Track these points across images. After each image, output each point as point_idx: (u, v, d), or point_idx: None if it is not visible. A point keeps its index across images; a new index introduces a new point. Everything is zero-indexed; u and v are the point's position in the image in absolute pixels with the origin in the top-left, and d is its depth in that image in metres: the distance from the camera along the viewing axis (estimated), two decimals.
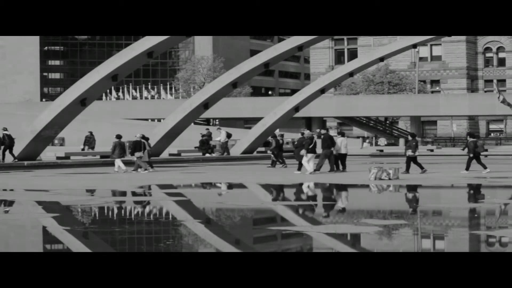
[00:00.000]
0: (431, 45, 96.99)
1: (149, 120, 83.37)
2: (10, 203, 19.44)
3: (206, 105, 42.73)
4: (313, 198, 21.36)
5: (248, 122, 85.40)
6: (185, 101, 46.98)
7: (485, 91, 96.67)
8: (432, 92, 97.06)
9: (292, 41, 41.98)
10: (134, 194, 22.04)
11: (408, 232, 13.38)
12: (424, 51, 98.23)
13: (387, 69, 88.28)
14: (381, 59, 49.48)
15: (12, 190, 23.23)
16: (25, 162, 35.62)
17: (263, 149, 47.74)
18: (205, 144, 47.15)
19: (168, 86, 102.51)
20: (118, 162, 31.29)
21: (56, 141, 58.04)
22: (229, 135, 48.52)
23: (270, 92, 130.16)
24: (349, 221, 14.84)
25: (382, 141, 72.34)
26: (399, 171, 26.66)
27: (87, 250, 11.56)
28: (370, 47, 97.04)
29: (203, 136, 47.53)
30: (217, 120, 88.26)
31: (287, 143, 49.58)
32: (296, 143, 31.25)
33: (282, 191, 23.39)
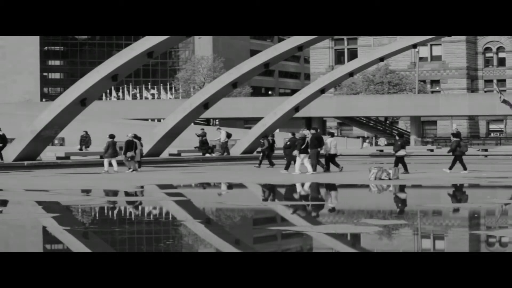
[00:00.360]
0: (431, 45, 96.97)
1: (149, 120, 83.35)
2: (6, 203, 19.43)
3: (206, 105, 42.72)
4: (312, 198, 21.35)
5: (248, 122, 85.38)
6: (185, 101, 46.98)
7: (485, 91, 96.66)
8: (432, 92, 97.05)
9: (292, 41, 41.98)
10: (134, 194, 22.03)
11: (408, 232, 13.38)
12: (424, 51, 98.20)
13: (387, 69, 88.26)
14: (381, 59, 49.48)
15: (1, 190, 23.24)
16: (25, 162, 35.62)
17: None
18: (205, 144, 47.18)
19: (168, 86, 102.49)
20: (112, 161, 31.30)
21: (56, 141, 58.04)
22: (229, 135, 48.53)
23: (270, 92, 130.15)
24: (349, 221, 14.84)
25: (382, 141, 72.37)
26: (399, 171, 26.66)
27: (87, 250, 11.56)
28: (370, 47, 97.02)
29: (198, 136, 47.60)
30: (217, 120, 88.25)
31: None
32: (288, 143, 31.26)
33: (281, 191, 23.38)
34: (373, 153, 56.50)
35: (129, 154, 31.01)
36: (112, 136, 31.93)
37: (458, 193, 22.96)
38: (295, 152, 29.11)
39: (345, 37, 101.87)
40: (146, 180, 26.84)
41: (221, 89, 42.84)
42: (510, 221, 15.69)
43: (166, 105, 78.33)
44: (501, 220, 15.46)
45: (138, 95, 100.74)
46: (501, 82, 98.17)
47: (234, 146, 49.39)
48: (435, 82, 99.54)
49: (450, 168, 28.88)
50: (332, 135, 32.10)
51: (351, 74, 50.32)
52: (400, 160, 28.35)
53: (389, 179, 25.22)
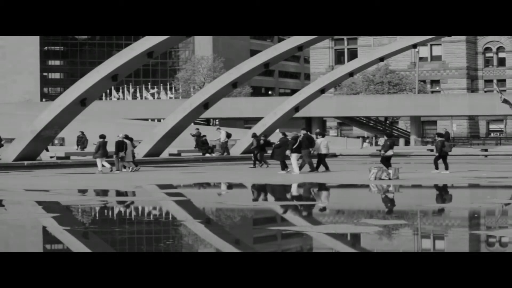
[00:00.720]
0: (431, 45, 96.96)
1: (149, 120, 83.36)
2: (6, 203, 19.43)
3: (206, 105, 42.72)
4: (312, 198, 21.35)
5: (248, 122, 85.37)
6: (185, 101, 46.98)
7: (485, 91, 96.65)
8: (432, 92, 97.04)
9: (292, 41, 41.98)
10: (133, 194, 22.03)
11: (408, 232, 13.38)
12: (424, 51, 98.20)
13: (387, 69, 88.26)
14: (381, 59, 49.47)
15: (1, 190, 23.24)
16: (25, 162, 35.62)
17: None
18: (205, 144, 47.22)
19: (168, 86, 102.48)
20: (102, 161, 31.45)
21: (56, 141, 58.05)
22: (228, 135, 48.53)
23: (270, 92, 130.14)
24: (349, 221, 14.84)
25: (382, 141, 72.26)
26: (399, 171, 26.67)
27: (87, 250, 11.56)
28: (370, 47, 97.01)
29: (193, 135, 47.59)
30: (217, 120, 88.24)
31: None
32: (278, 143, 31.28)
33: (281, 191, 23.37)
34: (373, 153, 56.43)
35: (120, 154, 31.24)
36: (102, 137, 32.13)
37: (458, 193, 22.96)
38: (287, 152, 29.25)
39: (345, 37, 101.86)
40: (145, 180, 26.84)
41: (221, 89, 42.84)
42: (510, 221, 15.69)
43: (166, 105, 78.33)
44: (501, 220, 15.46)
45: (138, 94, 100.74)
46: (501, 82, 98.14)
47: (234, 146, 49.39)
48: (435, 82, 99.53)
49: (446, 168, 28.93)
50: (322, 135, 32.05)
51: (351, 74, 50.31)
52: (387, 160, 28.31)
53: (389, 179, 25.23)
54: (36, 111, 54.58)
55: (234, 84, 43.30)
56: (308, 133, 31.54)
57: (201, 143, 47.32)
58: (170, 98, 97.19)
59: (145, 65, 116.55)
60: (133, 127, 64.37)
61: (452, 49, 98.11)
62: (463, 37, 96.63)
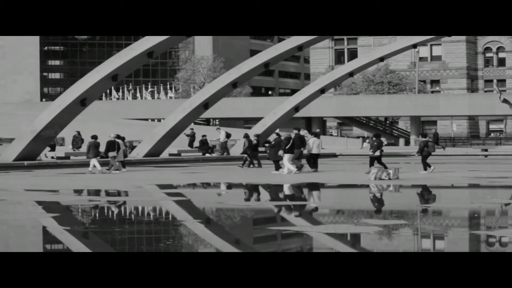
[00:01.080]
0: (431, 45, 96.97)
1: (149, 120, 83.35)
2: (6, 203, 19.43)
3: (206, 105, 42.72)
4: (312, 198, 21.35)
5: (248, 122, 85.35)
6: (185, 101, 46.98)
7: (485, 91, 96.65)
8: (432, 92, 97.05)
9: (292, 41, 41.98)
10: (133, 194, 22.03)
11: (408, 232, 13.38)
12: (424, 51, 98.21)
13: (387, 69, 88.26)
14: (381, 59, 49.48)
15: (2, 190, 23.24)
16: (25, 162, 35.62)
17: (262, 149, 47.72)
18: (205, 144, 47.24)
19: (168, 86, 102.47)
20: (93, 161, 31.54)
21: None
22: (228, 135, 48.53)
23: (270, 92, 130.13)
24: (349, 221, 14.84)
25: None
26: (399, 171, 26.67)
27: (87, 250, 11.56)
28: (370, 47, 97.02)
29: (187, 135, 47.56)
30: (217, 120, 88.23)
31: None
32: (272, 143, 31.30)
33: (280, 191, 23.37)
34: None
35: (111, 154, 31.37)
36: (94, 137, 32.26)
37: (458, 193, 22.97)
38: (280, 152, 29.31)
39: (345, 37, 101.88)
40: (145, 180, 26.84)
41: (221, 89, 42.84)
42: (510, 221, 15.69)
43: (166, 105, 78.31)
44: (501, 220, 15.46)
45: (138, 94, 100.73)
46: (501, 82, 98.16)
47: (234, 146, 49.38)
48: (435, 82, 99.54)
49: (425, 169, 28.96)
50: (315, 135, 32.06)
51: (351, 74, 50.32)
52: (375, 160, 28.44)
53: (389, 179, 25.23)
54: (36, 111, 54.57)
55: (234, 84, 43.29)
56: (300, 131, 31.60)
57: (201, 143, 47.35)
58: (170, 98, 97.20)
59: (145, 65, 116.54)
60: (133, 127, 64.38)
61: (452, 49, 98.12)
62: (463, 37, 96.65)
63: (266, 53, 43.09)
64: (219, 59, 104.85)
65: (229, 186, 25.37)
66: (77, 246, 12.00)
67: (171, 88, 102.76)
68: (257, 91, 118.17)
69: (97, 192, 22.38)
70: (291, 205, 18.68)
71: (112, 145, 31.46)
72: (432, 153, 29.84)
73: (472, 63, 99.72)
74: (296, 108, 49.33)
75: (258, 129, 48.56)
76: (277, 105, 51.45)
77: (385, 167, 27.17)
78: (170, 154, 44.28)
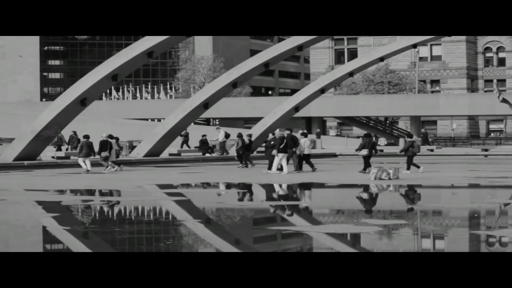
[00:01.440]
0: (431, 45, 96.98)
1: (149, 120, 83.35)
2: (6, 203, 19.43)
3: (206, 105, 42.72)
4: (310, 198, 21.35)
5: (248, 122, 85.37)
6: (185, 101, 46.99)
7: (485, 91, 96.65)
8: (432, 92, 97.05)
9: (292, 41, 41.98)
10: (133, 194, 22.02)
11: (408, 232, 13.38)
12: (424, 51, 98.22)
13: (387, 69, 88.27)
14: (381, 59, 49.49)
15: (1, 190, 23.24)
16: (25, 162, 35.62)
17: (262, 149, 47.73)
18: (205, 144, 47.26)
19: (168, 86, 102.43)
20: (83, 161, 31.58)
21: (56, 141, 57.98)
22: (227, 135, 48.55)
23: (270, 92, 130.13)
24: (349, 221, 14.84)
25: (382, 141, 72.31)
26: (399, 171, 26.69)
27: (87, 250, 11.56)
28: (370, 47, 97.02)
29: (181, 136, 47.59)
30: (217, 120, 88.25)
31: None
32: (267, 143, 31.35)
33: (280, 192, 23.37)
34: None
35: (103, 154, 31.43)
36: (86, 137, 32.38)
37: (458, 193, 22.96)
38: (274, 152, 29.39)
39: (345, 37, 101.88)
40: (145, 180, 26.84)
41: (221, 89, 42.84)
42: (510, 221, 15.70)
43: (166, 105, 78.33)
44: (501, 220, 15.46)
45: (138, 94, 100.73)
46: (501, 82, 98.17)
47: (234, 146, 49.38)
48: (435, 82, 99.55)
49: (408, 168, 29.10)
50: (306, 135, 32.12)
51: (351, 74, 50.32)
52: (364, 159, 28.63)
53: (389, 179, 25.23)
54: (36, 111, 54.59)
55: (234, 84, 43.30)
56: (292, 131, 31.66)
57: (201, 143, 47.41)
58: (170, 97, 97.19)
59: (145, 65, 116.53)
60: (133, 127, 64.40)
61: (452, 49, 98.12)
62: (463, 37, 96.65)
63: (266, 53, 43.09)
64: (219, 59, 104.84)
65: (228, 186, 25.37)
66: (77, 246, 12.00)
67: (171, 88, 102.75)
68: (257, 91, 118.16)
69: (96, 192, 22.37)
70: (291, 205, 18.67)
71: (104, 145, 31.58)
72: (417, 154, 30.06)
73: (472, 63, 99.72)
74: (296, 108, 49.33)
75: (258, 129, 48.58)
76: (277, 105, 51.45)
77: (367, 166, 27.97)
78: (170, 154, 44.29)
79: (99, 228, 14.33)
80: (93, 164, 31.82)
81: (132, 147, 45.42)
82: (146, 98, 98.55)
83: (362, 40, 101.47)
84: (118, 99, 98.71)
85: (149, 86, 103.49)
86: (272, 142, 31.09)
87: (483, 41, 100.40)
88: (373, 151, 29.16)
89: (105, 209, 17.84)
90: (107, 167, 31.58)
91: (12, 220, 15.05)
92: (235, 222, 15.47)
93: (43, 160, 37.50)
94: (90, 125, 55.00)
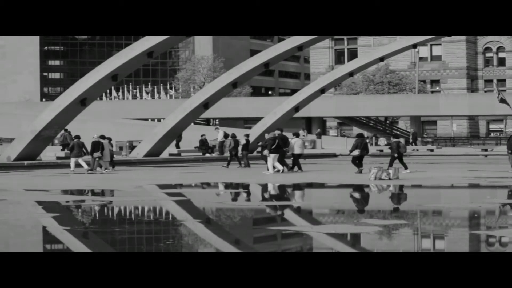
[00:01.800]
0: (431, 45, 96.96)
1: (149, 120, 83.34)
2: (6, 203, 19.44)
3: (206, 105, 42.73)
4: (310, 198, 21.35)
5: (248, 122, 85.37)
6: (185, 101, 46.99)
7: (485, 91, 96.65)
8: (432, 92, 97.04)
9: (292, 41, 41.98)
10: (133, 194, 22.02)
11: (408, 232, 13.38)
12: (424, 51, 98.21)
13: (387, 69, 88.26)
14: (381, 59, 49.50)
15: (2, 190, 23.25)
16: (25, 162, 35.63)
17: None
18: (205, 144, 47.29)
19: (168, 86, 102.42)
20: (79, 161, 31.71)
21: (56, 141, 58.02)
22: (226, 135, 48.55)
23: (270, 92, 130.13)
24: (349, 221, 14.84)
25: (382, 141, 72.35)
26: (399, 171, 26.69)
27: (87, 250, 11.56)
28: (370, 47, 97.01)
29: (178, 136, 47.61)
30: (217, 120, 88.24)
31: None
32: (265, 143, 31.40)
33: (279, 191, 23.38)
34: (373, 153, 56.47)
35: (96, 154, 31.49)
36: (77, 137, 32.53)
37: (458, 193, 22.97)
38: (265, 152, 29.45)
39: (345, 37, 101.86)
40: (145, 180, 26.85)
41: (221, 89, 42.85)
42: (510, 221, 15.70)
43: (166, 105, 78.33)
44: (501, 220, 15.46)
45: (138, 94, 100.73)
46: (501, 82, 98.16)
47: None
48: (435, 82, 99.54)
49: (406, 168, 29.12)
50: (297, 135, 32.19)
51: (351, 74, 50.34)
52: (356, 159, 28.68)
53: (389, 179, 25.23)
54: (36, 111, 54.59)
55: (234, 84, 43.30)
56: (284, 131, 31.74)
57: (201, 143, 47.46)
58: (170, 97, 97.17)
59: (145, 65, 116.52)
60: (133, 127, 64.38)
61: (452, 49, 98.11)
62: (463, 37, 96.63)
63: (266, 53, 43.10)
64: (219, 59, 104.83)
65: (227, 186, 25.36)
66: (77, 246, 12.00)
67: (171, 88, 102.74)
68: (257, 91, 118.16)
69: (96, 192, 22.37)
70: (291, 205, 18.67)
71: (96, 146, 31.65)
72: (405, 154, 30.22)
73: (472, 63, 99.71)
74: (296, 108, 49.35)
75: (258, 129, 48.60)
76: (277, 105, 51.46)
77: (359, 166, 28.15)
78: (170, 154, 44.30)
79: (99, 228, 14.33)
80: (77, 165, 31.80)
81: (132, 147, 45.41)
82: (146, 98, 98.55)
83: (362, 40, 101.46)
84: (118, 99, 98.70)
85: (149, 86, 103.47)
86: (260, 143, 31.29)
87: (483, 41, 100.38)
88: (365, 152, 29.22)
89: (105, 209, 17.83)
90: (100, 167, 31.60)
91: (12, 220, 15.05)
92: (235, 222, 15.47)
93: (43, 160, 37.50)
94: (90, 125, 55.01)
